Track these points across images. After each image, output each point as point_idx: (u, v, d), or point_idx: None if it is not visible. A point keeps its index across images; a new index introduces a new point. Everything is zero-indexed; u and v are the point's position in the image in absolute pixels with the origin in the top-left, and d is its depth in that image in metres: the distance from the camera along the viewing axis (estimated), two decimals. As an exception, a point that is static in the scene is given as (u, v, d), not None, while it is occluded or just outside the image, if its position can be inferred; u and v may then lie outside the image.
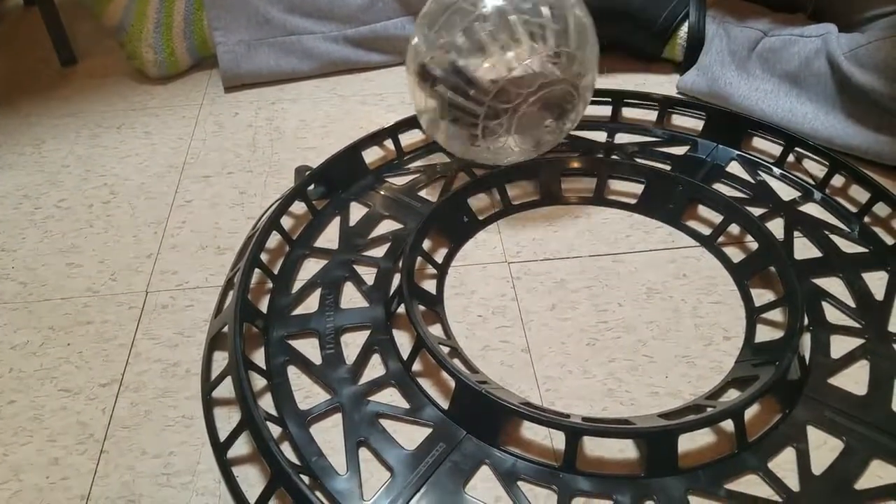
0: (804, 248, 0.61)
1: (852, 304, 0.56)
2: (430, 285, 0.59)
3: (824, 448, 0.47)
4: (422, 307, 0.55)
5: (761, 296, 0.57)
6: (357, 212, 0.66)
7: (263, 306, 0.57)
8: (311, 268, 0.61)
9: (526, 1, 0.58)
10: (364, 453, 0.47)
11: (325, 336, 0.54)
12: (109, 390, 0.52)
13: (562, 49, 0.58)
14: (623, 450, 0.47)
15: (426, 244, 0.61)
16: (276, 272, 0.60)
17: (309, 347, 0.54)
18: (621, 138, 0.74)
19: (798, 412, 0.48)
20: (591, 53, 0.62)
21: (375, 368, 0.52)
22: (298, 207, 0.66)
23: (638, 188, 0.67)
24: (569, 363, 0.53)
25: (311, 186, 0.66)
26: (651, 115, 0.76)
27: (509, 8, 0.57)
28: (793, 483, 0.45)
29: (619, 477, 0.45)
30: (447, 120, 0.60)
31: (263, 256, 0.60)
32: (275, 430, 0.47)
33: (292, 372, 0.52)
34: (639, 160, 0.70)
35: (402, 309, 0.54)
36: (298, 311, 0.57)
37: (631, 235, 0.63)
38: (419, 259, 0.59)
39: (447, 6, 0.59)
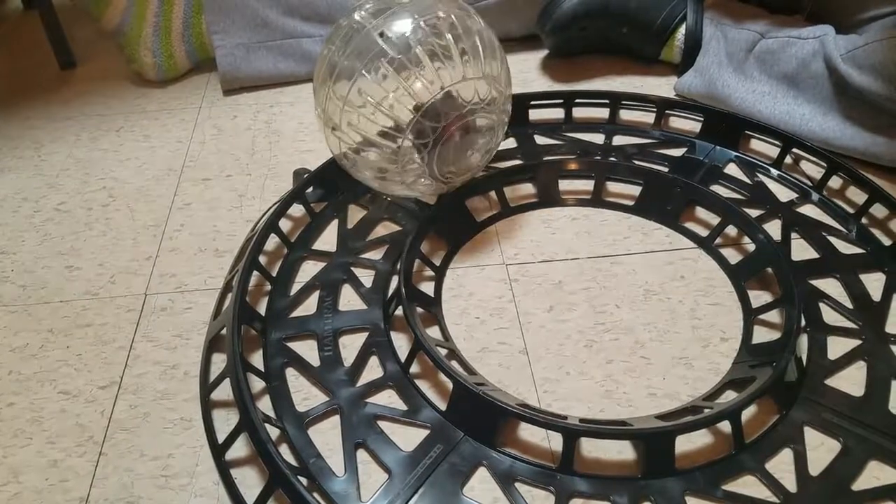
0: (802, 250, 0.61)
1: (850, 306, 0.56)
2: (428, 287, 0.59)
3: (821, 449, 0.47)
4: (420, 309, 0.55)
5: (759, 297, 0.57)
6: (355, 214, 0.66)
7: (262, 308, 0.57)
8: (309, 270, 0.61)
9: (423, 29, 0.56)
10: (362, 455, 0.47)
11: (323, 338, 0.54)
12: (108, 392, 0.52)
13: (487, 73, 0.57)
14: (621, 451, 0.47)
15: (424, 246, 0.61)
16: (274, 274, 0.60)
17: (307, 349, 0.54)
18: (619, 140, 0.74)
19: (795, 413, 0.48)
20: (504, 73, 0.60)
21: (373, 370, 0.52)
22: (297, 210, 0.66)
23: (636, 190, 0.67)
24: (566, 365, 0.53)
25: (310, 189, 0.67)
26: (649, 117, 0.76)
27: (413, 37, 0.56)
28: (790, 484, 0.45)
29: (617, 478, 0.45)
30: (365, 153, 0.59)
31: (262, 259, 0.60)
32: (273, 431, 0.47)
33: (290, 374, 0.52)
34: (637, 162, 0.70)
35: (400, 311, 0.54)
36: (297, 313, 0.57)
37: (629, 237, 0.63)
38: (417, 261, 0.59)
39: (348, 35, 0.57)
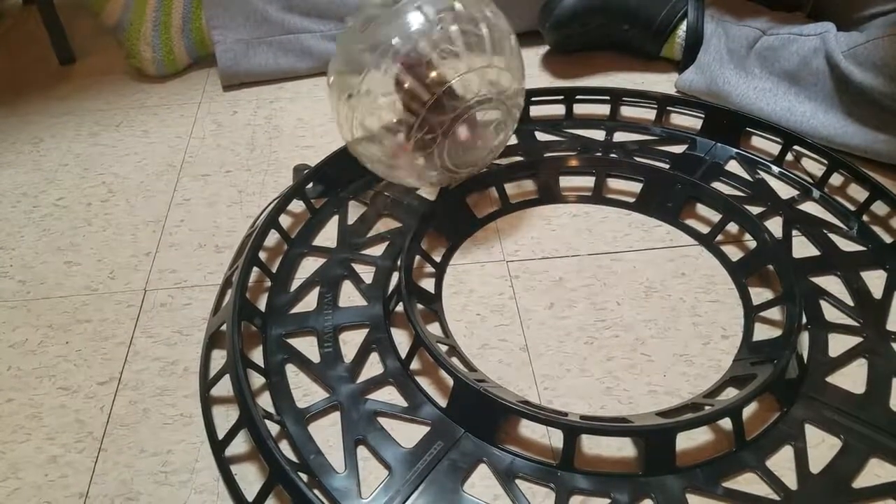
0: (803, 247, 0.61)
1: (850, 303, 0.56)
2: (428, 284, 0.59)
3: (822, 446, 0.47)
4: (420, 306, 0.55)
5: (760, 294, 0.57)
6: (355, 210, 0.66)
7: (262, 305, 0.57)
8: (309, 266, 0.61)
9: (451, 20, 0.56)
10: (362, 451, 0.47)
11: (323, 334, 0.54)
12: (108, 388, 0.52)
13: (496, 64, 0.57)
14: (621, 448, 0.47)
15: (424, 243, 0.61)
16: (274, 271, 0.60)
17: (307, 346, 0.54)
18: (620, 137, 0.74)
19: (796, 411, 0.48)
20: (520, 69, 0.60)
21: (374, 367, 0.52)
22: (297, 206, 0.66)
23: (636, 187, 0.67)
24: (567, 362, 0.53)
25: (310, 185, 0.66)
26: (650, 114, 0.76)
27: (421, 30, 0.56)
28: (791, 481, 0.45)
29: (618, 475, 0.45)
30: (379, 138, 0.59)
31: (262, 255, 0.60)
32: (273, 428, 0.47)
33: (290, 370, 0.52)
34: (637, 158, 0.70)
35: (400, 307, 0.54)
36: (297, 309, 0.57)
37: (629, 234, 0.63)
38: (417, 258, 0.59)
39: (371, 18, 0.57)
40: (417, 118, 0.56)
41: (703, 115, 0.74)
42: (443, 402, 0.49)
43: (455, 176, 0.62)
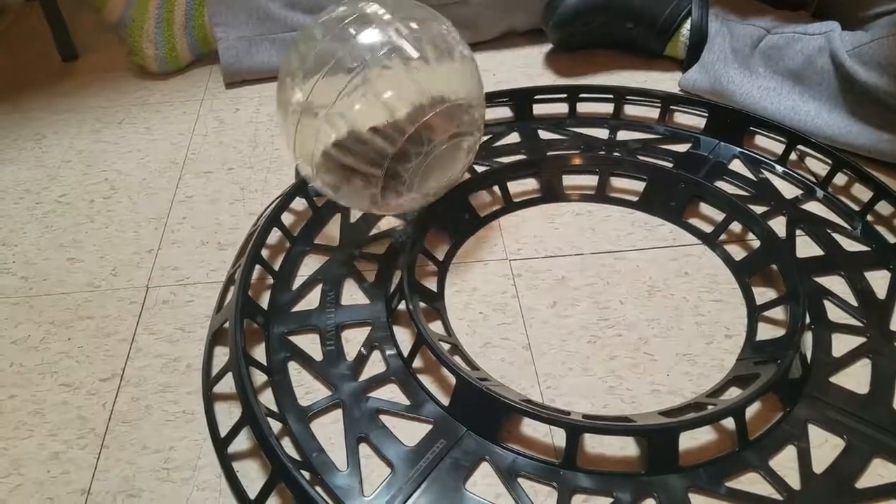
0: (806, 247, 0.61)
1: (854, 303, 0.56)
2: (430, 282, 0.59)
3: (825, 446, 0.47)
4: (422, 304, 0.55)
5: (763, 294, 0.57)
6: (358, 208, 0.66)
7: (264, 302, 0.57)
8: (311, 264, 0.60)
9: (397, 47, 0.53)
10: (364, 449, 0.47)
11: (325, 332, 0.54)
12: (110, 385, 0.52)
13: (467, 96, 0.55)
14: (624, 447, 0.47)
15: (427, 241, 0.61)
16: (276, 268, 0.60)
17: (309, 344, 0.54)
18: (623, 135, 0.74)
19: (799, 410, 0.48)
20: (476, 83, 0.58)
21: (376, 365, 0.52)
22: (299, 204, 0.65)
23: (640, 185, 0.66)
24: (569, 360, 0.53)
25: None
26: (653, 113, 0.76)
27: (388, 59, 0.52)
28: (794, 481, 0.45)
29: (620, 474, 0.45)
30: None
31: (264, 253, 0.60)
32: (275, 425, 0.47)
33: (293, 368, 0.52)
34: (641, 157, 0.70)
35: (402, 306, 0.54)
36: (299, 307, 0.57)
37: (632, 233, 0.63)
38: (420, 256, 0.59)
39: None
40: (393, 153, 0.53)
41: (706, 114, 0.74)
42: (445, 401, 0.49)
43: (426, 200, 0.60)
